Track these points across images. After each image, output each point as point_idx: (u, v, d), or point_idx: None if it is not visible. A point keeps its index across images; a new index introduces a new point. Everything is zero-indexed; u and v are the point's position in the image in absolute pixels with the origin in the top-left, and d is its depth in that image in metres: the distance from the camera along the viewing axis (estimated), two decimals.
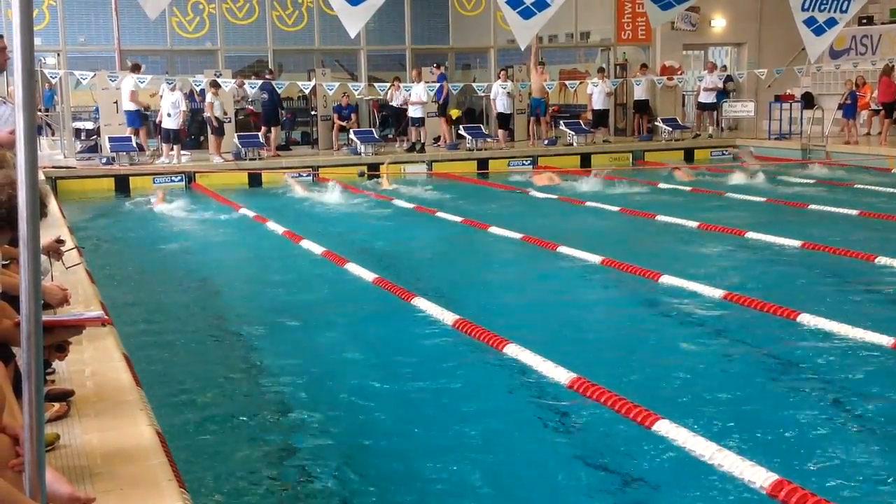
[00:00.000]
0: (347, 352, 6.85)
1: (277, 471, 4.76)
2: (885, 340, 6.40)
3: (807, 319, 7.01)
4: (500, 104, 20.30)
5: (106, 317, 4.40)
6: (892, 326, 6.71)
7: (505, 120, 20.60)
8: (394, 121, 21.11)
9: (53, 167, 17.06)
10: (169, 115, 17.91)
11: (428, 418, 5.43)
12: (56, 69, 19.15)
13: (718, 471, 4.42)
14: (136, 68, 18.16)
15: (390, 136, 21.24)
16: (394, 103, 20.49)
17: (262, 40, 20.93)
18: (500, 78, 20.51)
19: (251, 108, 20.55)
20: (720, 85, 22.18)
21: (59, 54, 19.77)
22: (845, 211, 12.53)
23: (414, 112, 19.73)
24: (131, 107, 18.14)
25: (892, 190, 14.64)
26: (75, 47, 20.04)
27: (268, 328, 7.53)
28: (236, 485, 4.59)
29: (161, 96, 18.34)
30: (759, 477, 4.23)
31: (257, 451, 5.01)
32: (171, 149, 18.16)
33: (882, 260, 9.20)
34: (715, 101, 21.95)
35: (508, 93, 20.16)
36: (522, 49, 16.00)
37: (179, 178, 17.49)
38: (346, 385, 6.08)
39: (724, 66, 23.88)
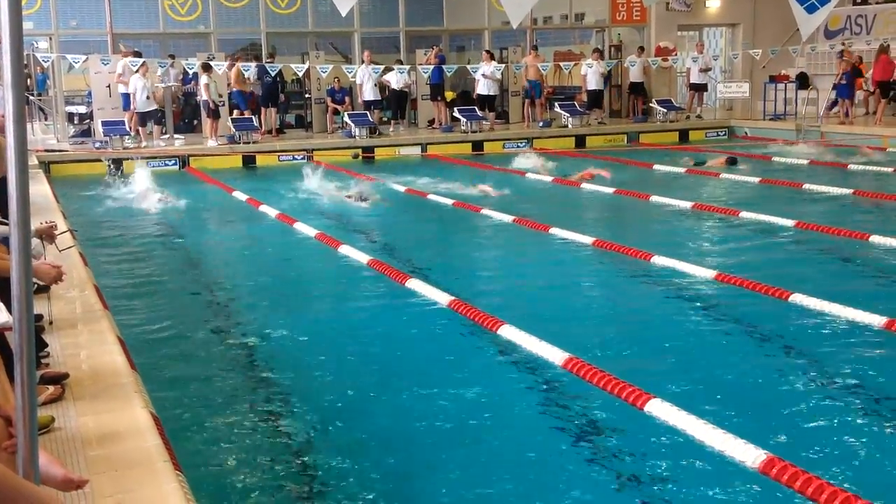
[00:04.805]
0: (342, 333, 6.86)
1: (272, 451, 4.78)
2: (876, 320, 6.43)
3: (799, 299, 7.03)
4: (481, 86, 20.12)
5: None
6: (885, 306, 6.74)
7: (489, 101, 20.43)
8: (394, 104, 20.93)
9: (46, 151, 17.01)
10: (148, 97, 17.90)
11: (422, 400, 5.45)
12: (48, 53, 19.05)
13: (710, 449, 4.45)
14: (137, 55, 18.13)
15: (385, 118, 21.15)
16: (393, 86, 20.37)
17: (256, 23, 20.86)
18: (484, 61, 20.28)
19: (253, 90, 20.40)
20: (712, 64, 22.15)
21: (51, 38, 19.69)
22: (839, 190, 12.54)
23: (367, 95, 19.62)
24: (123, 89, 18.11)
25: (886, 169, 14.66)
26: (67, 31, 19.94)
27: (262, 311, 7.54)
28: (231, 466, 4.61)
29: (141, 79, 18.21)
30: (751, 455, 4.26)
31: (251, 430, 5.02)
32: (150, 133, 18.18)
33: (875, 239, 9.23)
34: (706, 81, 21.92)
35: (484, 74, 19.84)
36: (514, 28, 15.94)
37: (173, 161, 17.45)
38: (341, 366, 6.11)
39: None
